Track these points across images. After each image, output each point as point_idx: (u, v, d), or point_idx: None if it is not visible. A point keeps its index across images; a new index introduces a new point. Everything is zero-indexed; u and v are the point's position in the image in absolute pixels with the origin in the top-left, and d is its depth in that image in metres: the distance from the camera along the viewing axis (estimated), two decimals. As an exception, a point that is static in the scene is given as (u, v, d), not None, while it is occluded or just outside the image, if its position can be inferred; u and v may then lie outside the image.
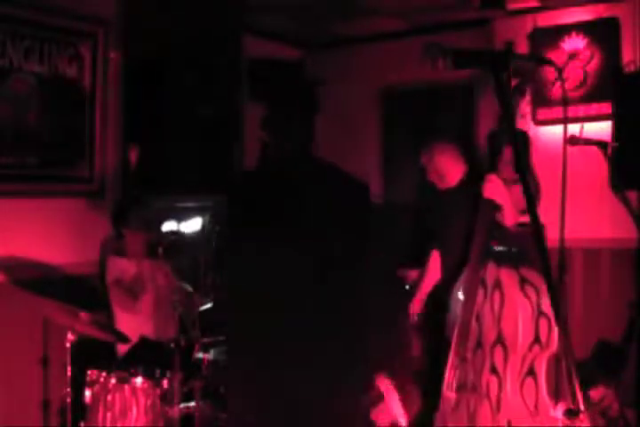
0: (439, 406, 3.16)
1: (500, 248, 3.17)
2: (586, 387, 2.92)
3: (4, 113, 3.78)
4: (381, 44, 5.60)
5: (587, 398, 2.78)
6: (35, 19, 3.87)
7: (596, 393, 3.80)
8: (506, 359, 2.91)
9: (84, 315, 3.12)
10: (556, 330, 2.88)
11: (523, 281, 2.99)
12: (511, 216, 3.24)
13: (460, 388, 3.02)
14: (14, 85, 3.81)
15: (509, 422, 2.84)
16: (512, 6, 4.78)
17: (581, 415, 1.44)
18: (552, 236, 2.43)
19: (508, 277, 3.00)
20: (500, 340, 2.93)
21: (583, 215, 4.44)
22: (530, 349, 2.90)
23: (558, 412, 2.75)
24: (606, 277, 4.60)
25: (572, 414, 1.46)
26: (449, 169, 3.84)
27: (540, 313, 2.92)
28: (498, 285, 2.99)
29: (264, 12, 4.85)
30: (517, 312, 2.91)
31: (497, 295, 2.97)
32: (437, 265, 3.93)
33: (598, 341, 4.33)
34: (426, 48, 1.43)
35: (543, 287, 2.98)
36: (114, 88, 4.27)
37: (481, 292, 3.02)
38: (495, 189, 3.11)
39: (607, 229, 4.55)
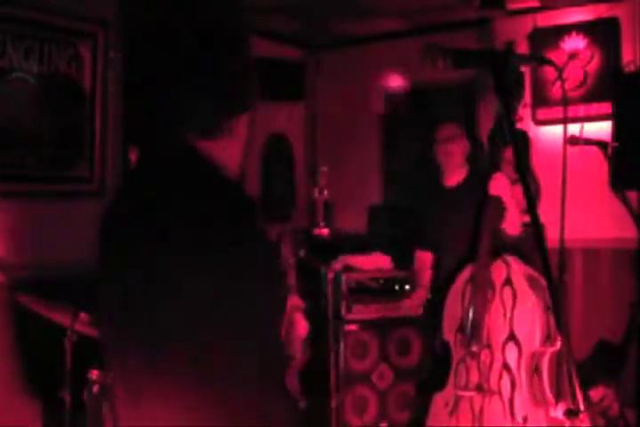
0: (430, 407, 3.15)
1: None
2: (586, 387, 2.92)
3: (4, 113, 3.78)
4: (381, 44, 5.60)
5: (587, 398, 2.78)
6: (35, 19, 3.87)
7: (596, 393, 3.79)
8: (520, 356, 2.91)
9: (83, 315, 3.12)
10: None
11: (530, 278, 2.99)
12: (515, 224, 3.24)
13: (463, 388, 3.02)
14: (14, 85, 3.82)
15: (525, 417, 2.84)
16: (512, 6, 4.78)
17: (581, 415, 1.44)
18: (552, 236, 2.43)
19: (517, 274, 3.00)
20: (512, 337, 2.93)
21: (583, 215, 4.44)
22: (542, 345, 2.91)
23: (558, 412, 2.75)
24: (606, 278, 4.60)
25: (572, 414, 1.45)
26: (462, 162, 3.81)
27: (549, 309, 2.91)
28: (508, 282, 2.99)
29: (264, 12, 4.85)
30: (531, 308, 2.91)
31: (508, 292, 2.97)
32: (428, 264, 3.97)
33: (598, 341, 4.33)
34: (425, 48, 1.43)
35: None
36: (113, 88, 4.27)
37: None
38: (501, 186, 3.12)
39: (607, 229, 4.56)
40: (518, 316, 2.94)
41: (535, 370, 2.95)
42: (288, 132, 5.81)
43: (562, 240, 2.32)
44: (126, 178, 1.54)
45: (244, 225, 1.36)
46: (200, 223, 1.32)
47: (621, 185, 4.00)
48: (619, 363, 4.06)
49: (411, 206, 4.37)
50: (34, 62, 3.88)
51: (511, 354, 2.93)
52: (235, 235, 1.33)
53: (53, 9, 3.93)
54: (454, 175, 3.84)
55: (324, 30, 5.57)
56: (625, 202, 3.83)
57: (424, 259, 4.00)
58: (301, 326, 2.07)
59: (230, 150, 1.44)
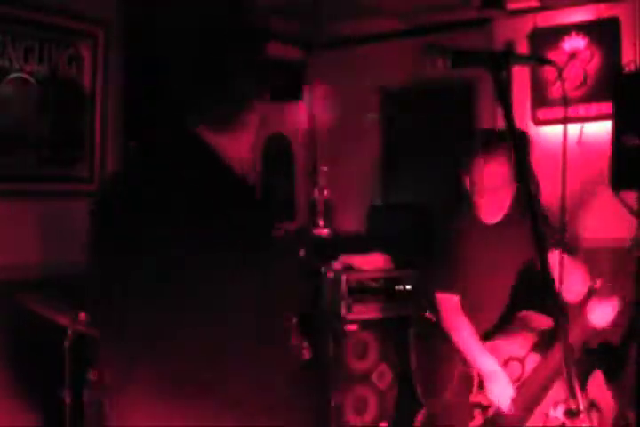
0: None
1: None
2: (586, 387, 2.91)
3: (4, 113, 3.78)
4: (381, 44, 5.60)
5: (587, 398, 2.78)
6: (35, 19, 3.87)
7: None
8: None
9: (83, 315, 3.12)
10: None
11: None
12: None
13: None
14: (14, 85, 3.82)
15: None
16: (512, 6, 4.78)
17: (581, 415, 1.44)
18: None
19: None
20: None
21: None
22: None
23: (558, 412, 2.74)
24: (606, 277, 4.59)
25: (571, 414, 1.45)
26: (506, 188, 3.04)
27: None
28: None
29: (264, 13, 4.85)
30: None
31: None
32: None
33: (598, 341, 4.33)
34: (424, 48, 1.43)
35: None
36: (113, 88, 4.27)
37: None
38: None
39: (607, 229, 4.55)
40: None
41: None
42: (288, 132, 5.81)
43: (562, 240, 2.32)
44: (126, 165, 1.57)
45: (242, 208, 1.39)
46: (203, 206, 1.36)
47: (621, 185, 4.00)
48: (619, 363, 4.06)
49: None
50: (34, 62, 3.88)
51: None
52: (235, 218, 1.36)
53: (53, 9, 3.93)
54: (496, 210, 3.08)
55: (324, 30, 5.57)
56: (625, 202, 3.83)
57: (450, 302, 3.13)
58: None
59: (238, 144, 1.47)
